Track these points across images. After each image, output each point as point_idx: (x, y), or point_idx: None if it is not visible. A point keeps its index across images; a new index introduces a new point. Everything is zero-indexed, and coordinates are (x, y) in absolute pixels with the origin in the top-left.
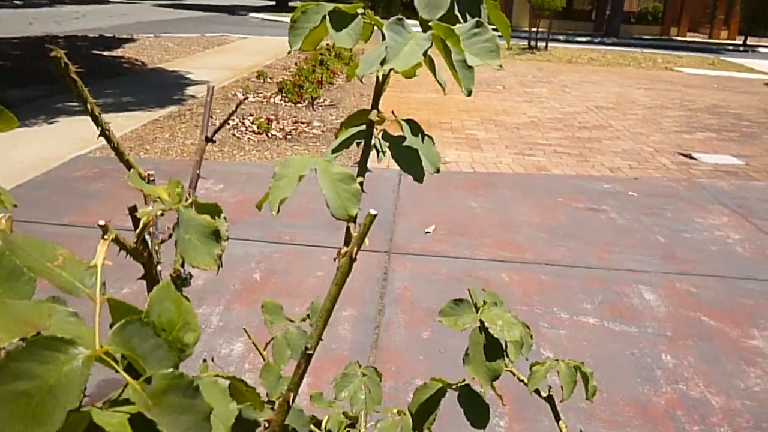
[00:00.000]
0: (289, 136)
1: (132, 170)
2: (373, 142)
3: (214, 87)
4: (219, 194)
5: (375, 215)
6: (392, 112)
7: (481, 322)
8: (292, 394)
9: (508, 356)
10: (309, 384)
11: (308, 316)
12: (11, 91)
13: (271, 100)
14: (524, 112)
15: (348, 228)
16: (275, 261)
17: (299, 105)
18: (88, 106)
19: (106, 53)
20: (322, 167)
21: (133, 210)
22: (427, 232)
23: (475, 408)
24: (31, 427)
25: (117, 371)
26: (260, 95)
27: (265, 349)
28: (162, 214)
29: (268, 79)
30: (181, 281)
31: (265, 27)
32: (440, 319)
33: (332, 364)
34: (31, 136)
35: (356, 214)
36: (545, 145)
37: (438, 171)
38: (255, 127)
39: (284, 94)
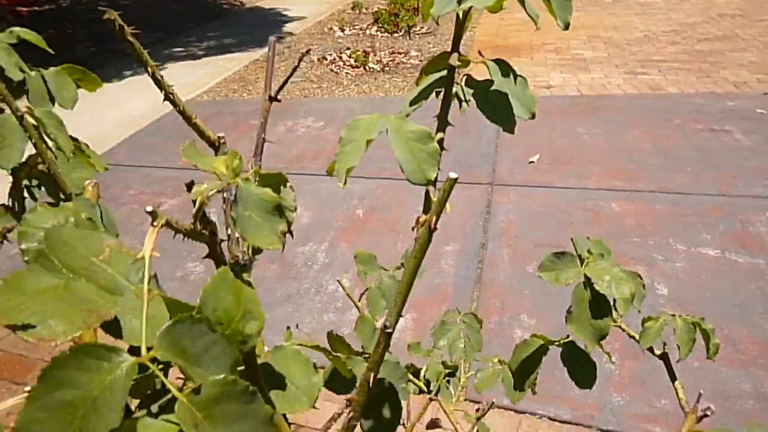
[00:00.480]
0: (386, 68)
1: (187, 143)
2: (454, 90)
3: (274, 40)
4: (320, 131)
5: (455, 179)
6: (479, 53)
7: (586, 277)
8: (372, 374)
9: (616, 310)
10: (414, 319)
11: (402, 265)
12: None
13: (367, 31)
14: (636, 26)
15: (426, 192)
16: (377, 197)
17: (396, 34)
18: (149, 69)
19: None
20: (395, 126)
21: (190, 186)
22: (531, 162)
23: (581, 366)
24: None
25: (164, 382)
26: (356, 27)
27: (360, 300)
28: (220, 191)
29: (364, 10)
30: (240, 267)
31: None
32: (540, 273)
33: (435, 300)
34: (144, 83)
35: (435, 178)
36: (660, 61)
37: (533, 116)
38: (352, 61)
39: (380, 24)
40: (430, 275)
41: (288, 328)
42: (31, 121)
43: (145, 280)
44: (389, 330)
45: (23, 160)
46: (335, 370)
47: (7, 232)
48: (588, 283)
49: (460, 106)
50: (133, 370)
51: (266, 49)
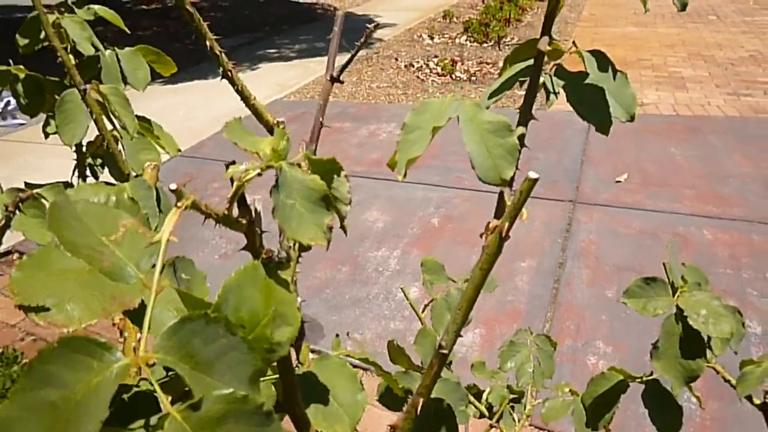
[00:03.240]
0: (473, 78)
1: (233, 119)
2: (542, 80)
3: (343, 15)
4: None
5: (536, 179)
6: (573, 43)
7: (679, 309)
8: (421, 399)
9: (710, 349)
10: (482, 336)
11: None
12: (220, 40)
13: (457, 40)
14: (742, 45)
15: (500, 195)
16: (454, 206)
17: (485, 45)
18: (208, 43)
19: (302, 1)
20: (468, 114)
21: (228, 166)
22: (618, 181)
23: (665, 409)
24: None
25: (155, 390)
26: (446, 36)
27: (423, 312)
28: (259, 174)
29: (454, 19)
30: (275, 263)
31: None
32: (625, 300)
33: (508, 317)
34: None
35: (512, 177)
36: (766, 83)
37: (632, 118)
38: (439, 69)
39: (470, 34)
40: (503, 291)
41: (337, 335)
42: (97, 97)
43: (158, 268)
44: (444, 351)
45: (90, 139)
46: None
47: None
48: (680, 316)
49: (548, 98)
50: (123, 372)
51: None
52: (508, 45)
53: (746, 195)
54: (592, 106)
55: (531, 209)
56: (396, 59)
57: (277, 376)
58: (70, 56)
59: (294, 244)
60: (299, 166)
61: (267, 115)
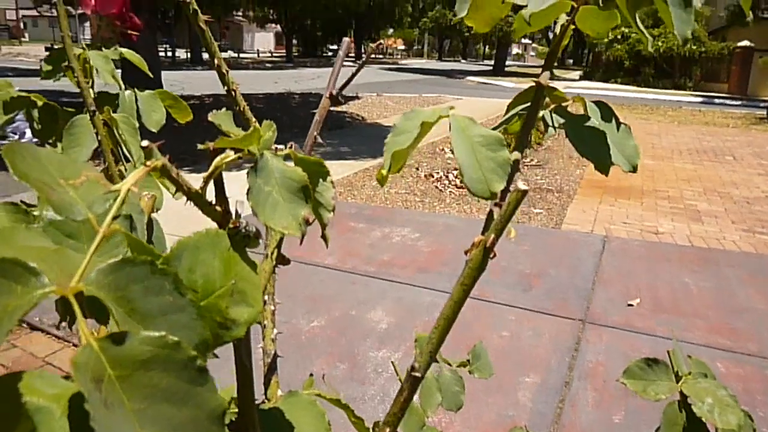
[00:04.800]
0: None
1: (224, 111)
2: (541, 114)
3: (348, 41)
4: (414, 242)
5: (525, 191)
6: (579, 97)
7: (682, 395)
8: (388, 429)
9: None
10: None
11: (469, 361)
12: None
13: None
14: (758, 185)
15: (489, 214)
16: (460, 314)
17: None
18: (215, 61)
19: (332, 108)
20: (460, 125)
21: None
22: (630, 305)
23: None
24: None
25: (76, 317)
26: None
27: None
28: (240, 159)
29: None
30: (241, 238)
31: (480, 89)
32: (625, 380)
33: None
34: None
35: (502, 192)
36: None
37: (635, 169)
38: (458, 181)
39: None
40: (505, 404)
41: (311, 375)
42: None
43: (111, 213)
44: (417, 374)
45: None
46: None
47: None
48: (684, 403)
49: (546, 130)
50: (40, 299)
51: (379, 160)
52: (527, 165)
53: (761, 330)
54: (592, 145)
55: (539, 323)
56: (417, 168)
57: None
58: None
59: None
60: (284, 159)
61: (248, 113)
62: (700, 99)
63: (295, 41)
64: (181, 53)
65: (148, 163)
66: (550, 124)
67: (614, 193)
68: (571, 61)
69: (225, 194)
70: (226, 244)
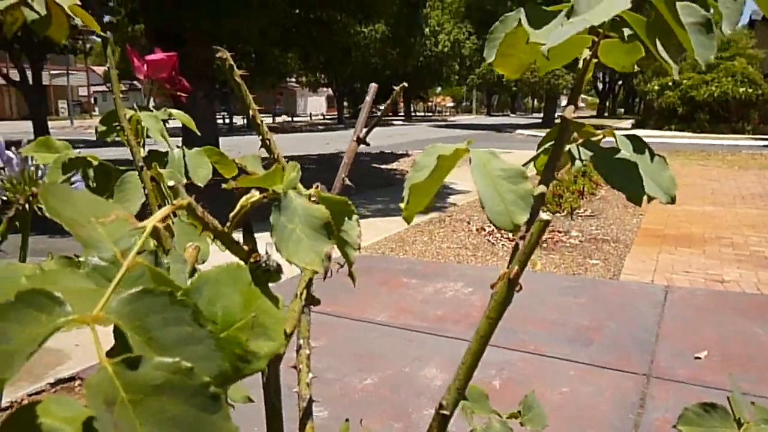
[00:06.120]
0: (544, 245)
1: (252, 154)
2: (568, 147)
3: (375, 87)
4: (467, 297)
5: (548, 221)
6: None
7: None
8: None
9: None
10: None
11: (520, 412)
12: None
13: None
14: None
15: (516, 246)
16: (517, 369)
17: (557, 214)
18: (251, 113)
19: (383, 166)
20: (481, 160)
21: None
22: (697, 358)
23: None
24: None
25: (95, 345)
26: None
27: None
28: (265, 199)
29: None
30: (262, 272)
31: (530, 142)
32: (681, 427)
33: None
34: None
35: (527, 224)
36: None
37: (673, 200)
38: (510, 235)
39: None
40: None
41: (347, 420)
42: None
43: (135, 248)
44: (445, 411)
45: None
46: None
47: None
48: None
49: (572, 164)
50: (65, 325)
51: (430, 216)
52: (581, 216)
53: None
54: (622, 175)
55: (601, 378)
56: (468, 222)
57: None
58: (141, 148)
59: (300, 293)
60: (309, 198)
61: (282, 161)
62: (759, 143)
63: (345, 103)
64: (238, 120)
65: (175, 202)
66: (577, 157)
67: (674, 242)
68: (622, 110)
69: (252, 233)
70: (248, 278)
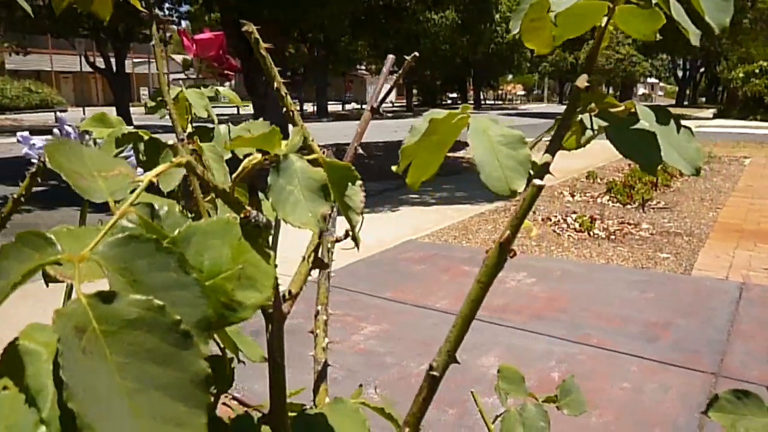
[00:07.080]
0: (612, 237)
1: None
2: (580, 117)
3: (392, 58)
4: (529, 287)
5: (541, 186)
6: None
7: None
8: (407, 430)
9: None
10: None
11: (556, 396)
12: (369, 184)
13: (598, 200)
14: None
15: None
16: (577, 363)
17: (628, 206)
18: (275, 84)
19: (449, 153)
20: (480, 126)
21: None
22: None
23: None
24: None
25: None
26: (587, 195)
27: (494, 422)
28: (266, 161)
29: (598, 180)
30: (252, 227)
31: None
32: (711, 414)
33: None
34: (378, 221)
35: (522, 190)
36: None
37: (698, 172)
38: (577, 225)
39: (612, 194)
40: None
41: (360, 385)
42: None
43: (129, 199)
44: (435, 373)
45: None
46: None
47: None
48: None
49: (583, 133)
50: (50, 263)
51: (494, 205)
52: (653, 208)
53: None
54: (636, 145)
55: (666, 376)
56: (534, 212)
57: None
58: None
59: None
60: (309, 162)
61: (315, 147)
62: None
63: (414, 91)
64: (308, 107)
65: (174, 159)
66: (588, 126)
67: (753, 237)
68: (703, 99)
69: (257, 194)
70: (237, 232)
